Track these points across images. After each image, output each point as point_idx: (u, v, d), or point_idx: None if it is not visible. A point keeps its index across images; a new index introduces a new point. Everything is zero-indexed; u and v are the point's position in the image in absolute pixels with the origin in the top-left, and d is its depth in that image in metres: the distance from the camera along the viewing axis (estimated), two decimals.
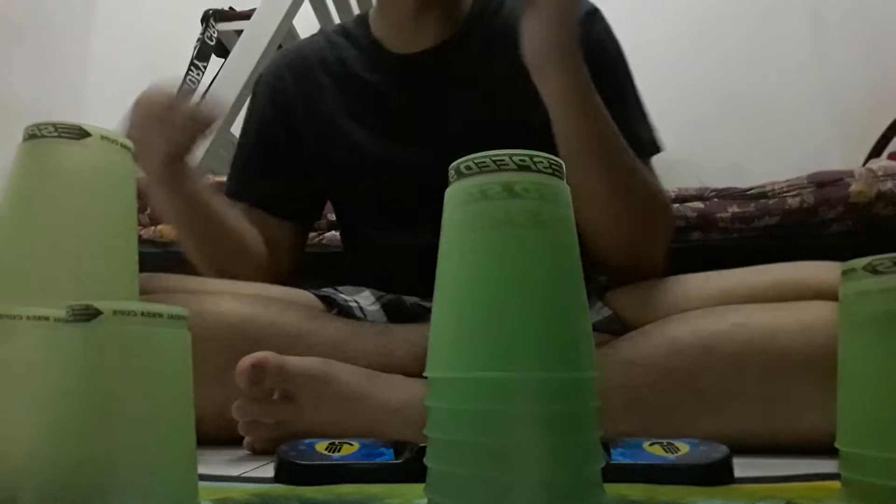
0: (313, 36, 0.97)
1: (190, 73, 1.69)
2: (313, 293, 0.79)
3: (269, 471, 0.52)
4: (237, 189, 0.93)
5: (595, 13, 0.86)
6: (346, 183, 0.90)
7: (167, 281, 0.76)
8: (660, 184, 0.79)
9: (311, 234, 1.18)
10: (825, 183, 1.06)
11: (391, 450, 0.52)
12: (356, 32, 0.92)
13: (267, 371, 0.60)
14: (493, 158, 0.34)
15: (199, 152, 1.59)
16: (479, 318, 0.33)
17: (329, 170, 0.90)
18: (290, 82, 0.91)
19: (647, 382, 0.63)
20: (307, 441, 0.53)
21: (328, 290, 0.80)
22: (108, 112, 2.16)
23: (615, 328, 0.70)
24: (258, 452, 0.63)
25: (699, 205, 1.10)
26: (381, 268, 0.88)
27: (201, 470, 0.38)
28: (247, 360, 0.60)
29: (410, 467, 0.47)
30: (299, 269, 0.96)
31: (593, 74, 0.71)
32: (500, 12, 0.87)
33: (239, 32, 1.69)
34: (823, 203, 1.04)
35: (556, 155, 0.35)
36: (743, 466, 0.48)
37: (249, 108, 0.96)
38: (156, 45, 2.12)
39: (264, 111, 0.93)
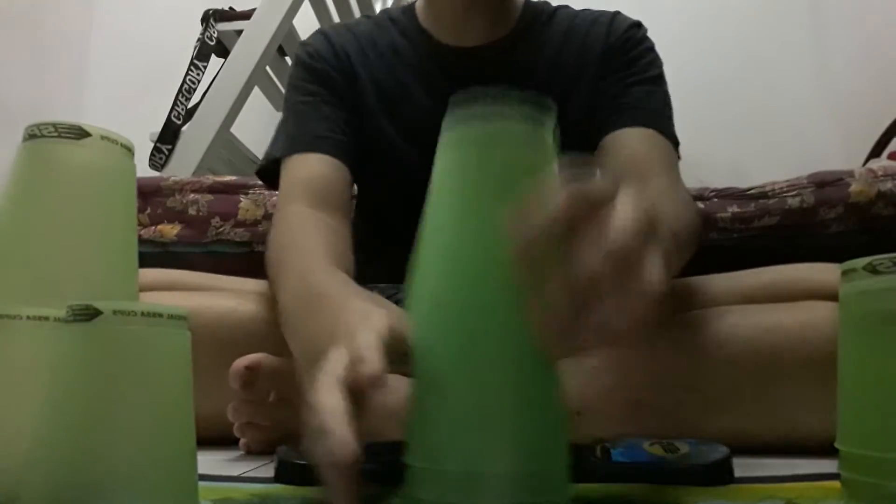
0: (357, 19, 0.97)
1: (190, 73, 1.69)
2: None
3: (269, 471, 0.52)
4: (314, 141, 0.81)
5: (640, 26, 0.91)
6: (386, 159, 0.86)
7: (167, 276, 0.76)
8: (686, 192, 0.76)
9: None
10: (825, 183, 1.06)
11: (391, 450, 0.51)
12: (403, 21, 0.90)
13: (261, 372, 0.60)
14: None
15: (199, 152, 1.60)
16: None
17: (373, 143, 0.86)
18: (341, 48, 0.86)
19: (646, 383, 0.63)
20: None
21: None
22: (108, 112, 2.16)
23: None
24: (254, 453, 0.63)
25: (699, 205, 1.10)
26: (398, 258, 0.85)
27: (201, 470, 0.38)
28: (241, 362, 0.60)
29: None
30: None
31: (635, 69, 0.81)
32: (549, 25, 0.88)
33: (239, 32, 1.69)
34: (823, 203, 1.04)
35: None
36: (743, 466, 0.48)
37: (295, 72, 0.88)
38: (155, 45, 2.12)
39: (324, 67, 0.85)
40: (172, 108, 1.65)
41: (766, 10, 1.98)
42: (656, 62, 0.88)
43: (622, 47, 0.85)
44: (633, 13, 0.92)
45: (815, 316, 0.62)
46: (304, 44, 0.90)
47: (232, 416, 0.62)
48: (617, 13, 0.90)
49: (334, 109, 0.84)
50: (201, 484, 0.37)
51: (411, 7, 0.92)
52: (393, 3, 2.14)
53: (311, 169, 0.78)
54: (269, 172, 0.87)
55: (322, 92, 0.85)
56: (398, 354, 0.38)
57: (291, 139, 0.82)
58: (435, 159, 0.38)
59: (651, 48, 0.88)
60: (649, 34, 0.91)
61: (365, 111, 0.85)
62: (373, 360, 0.34)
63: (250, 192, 1.22)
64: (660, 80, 0.86)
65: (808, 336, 0.61)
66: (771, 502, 0.41)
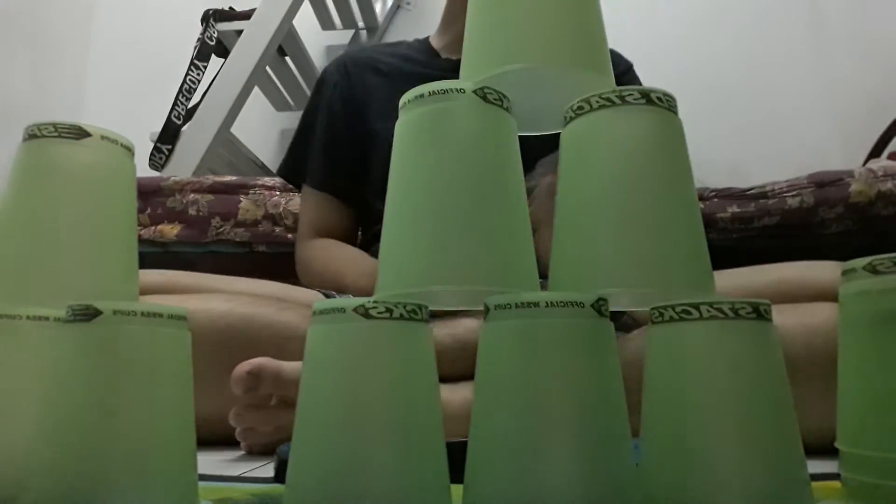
0: (378, 45, 1.14)
1: (190, 73, 1.69)
2: (321, 292, 0.79)
3: (269, 471, 0.52)
4: (318, 179, 1.01)
5: (631, 68, 1.03)
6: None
7: (161, 278, 0.76)
8: None
9: None
10: (825, 183, 1.06)
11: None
12: (415, 45, 1.06)
13: (263, 377, 0.60)
14: None
15: (199, 152, 1.60)
16: None
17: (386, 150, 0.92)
18: (353, 71, 1.01)
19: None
20: None
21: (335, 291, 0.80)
22: (108, 112, 2.16)
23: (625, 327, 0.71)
24: (256, 454, 0.63)
25: (699, 205, 1.10)
26: None
27: (201, 470, 0.38)
28: (243, 367, 0.59)
29: None
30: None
31: None
32: None
33: (239, 32, 1.69)
34: (823, 203, 1.04)
35: None
36: None
37: (315, 101, 1.04)
38: (156, 44, 2.12)
39: (332, 104, 1.00)
40: (172, 108, 1.65)
41: (766, 10, 1.98)
42: None
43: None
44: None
45: (820, 319, 0.62)
46: (324, 70, 1.06)
47: (234, 421, 0.62)
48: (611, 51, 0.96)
49: (341, 140, 0.99)
50: (201, 484, 0.37)
51: (425, 39, 1.07)
52: (392, 4, 2.14)
53: (320, 213, 1.00)
54: (290, 170, 1.05)
55: (340, 122, 0.99)
56: None
57: (285, 164, 1.05)
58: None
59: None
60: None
61: (372, 133, 0.98)
62: None
63: (250, 192, 1.22)
64: None
65: (813, 339, 0.61)
66: None
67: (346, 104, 0.99)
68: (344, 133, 0.99)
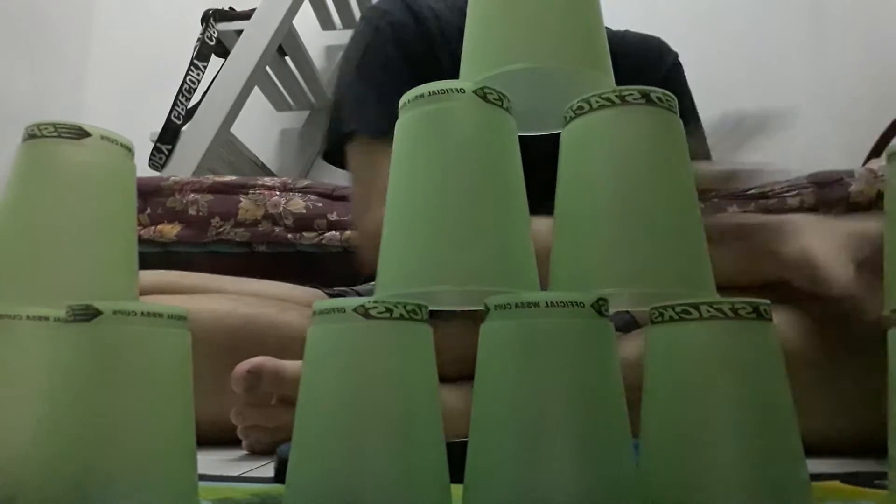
0: None
1: (190, 73, 1.69)
2: (325, 292, 0.79)
3: (269, 471, 0.52)
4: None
5: (675, 61, 0.97)
6: None
7: (163, 278, 0.76)
8: None
9: (311, 234, 1.18)
10: (825, 183, 1.06)
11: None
12: (456, 5, 0.90)
13: (263, 376, 0.60)
14: None
15: (199, 152, 1.60)
16: None
17: None
18: (418, 8, 0.86)
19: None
20: None
21: (342, 290, 0.80)
22: (108, 112, 2.16)
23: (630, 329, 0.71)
24: (258, 453, 0.63)
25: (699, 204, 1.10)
26: None
27: (201, 470, 0.38)
28: (243, 366, 0.60)
29: None
30: (297, 269, 0.96)
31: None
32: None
33: (239, 32, 1.69)
34: (823, 203, 1.04)
35: None
36: None
37: (381, 48, 0.84)
38: (156, 44, 2.12)
39: (408, 39, 0.84)
40: (172, 108, 1.65)
41: (766, 9, 1.98)
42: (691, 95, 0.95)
43: (667, 84, 0.88)
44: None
45: (815, 317, 0.62)
46: (383, 12, 0.85)
47: (235, 419, 0.62)
48: (661, 40, 0.93)
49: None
50: (201, 484, 0.37)
51: None
52: None
53: None
54: (338, 147, 0.85)
55: (405, 70, 0.82)
56: None
57: (378, 122, 0.80)
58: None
59: (687, 87, 0.96)
60: (645, 31, 0.92)
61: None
62: None
63: (250, 192, 1.22)
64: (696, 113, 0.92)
65: (809, 336, 0.61)
66: None
67: (424, 49, 0.84)
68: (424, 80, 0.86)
